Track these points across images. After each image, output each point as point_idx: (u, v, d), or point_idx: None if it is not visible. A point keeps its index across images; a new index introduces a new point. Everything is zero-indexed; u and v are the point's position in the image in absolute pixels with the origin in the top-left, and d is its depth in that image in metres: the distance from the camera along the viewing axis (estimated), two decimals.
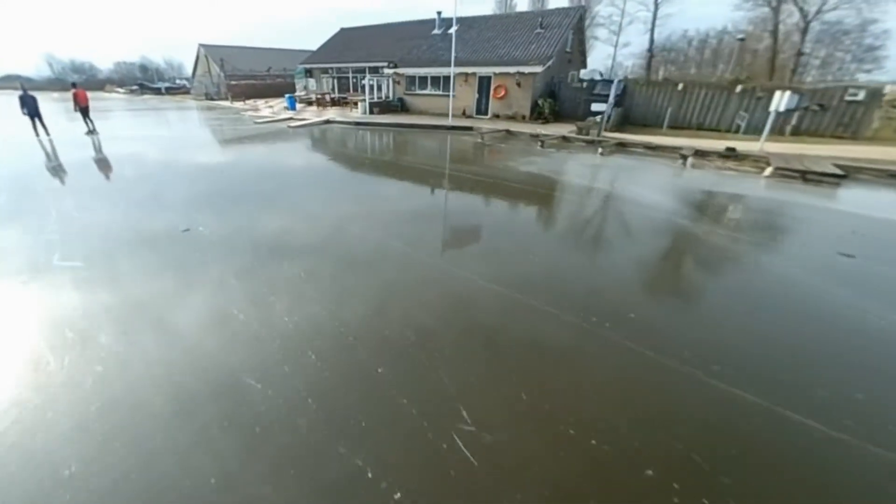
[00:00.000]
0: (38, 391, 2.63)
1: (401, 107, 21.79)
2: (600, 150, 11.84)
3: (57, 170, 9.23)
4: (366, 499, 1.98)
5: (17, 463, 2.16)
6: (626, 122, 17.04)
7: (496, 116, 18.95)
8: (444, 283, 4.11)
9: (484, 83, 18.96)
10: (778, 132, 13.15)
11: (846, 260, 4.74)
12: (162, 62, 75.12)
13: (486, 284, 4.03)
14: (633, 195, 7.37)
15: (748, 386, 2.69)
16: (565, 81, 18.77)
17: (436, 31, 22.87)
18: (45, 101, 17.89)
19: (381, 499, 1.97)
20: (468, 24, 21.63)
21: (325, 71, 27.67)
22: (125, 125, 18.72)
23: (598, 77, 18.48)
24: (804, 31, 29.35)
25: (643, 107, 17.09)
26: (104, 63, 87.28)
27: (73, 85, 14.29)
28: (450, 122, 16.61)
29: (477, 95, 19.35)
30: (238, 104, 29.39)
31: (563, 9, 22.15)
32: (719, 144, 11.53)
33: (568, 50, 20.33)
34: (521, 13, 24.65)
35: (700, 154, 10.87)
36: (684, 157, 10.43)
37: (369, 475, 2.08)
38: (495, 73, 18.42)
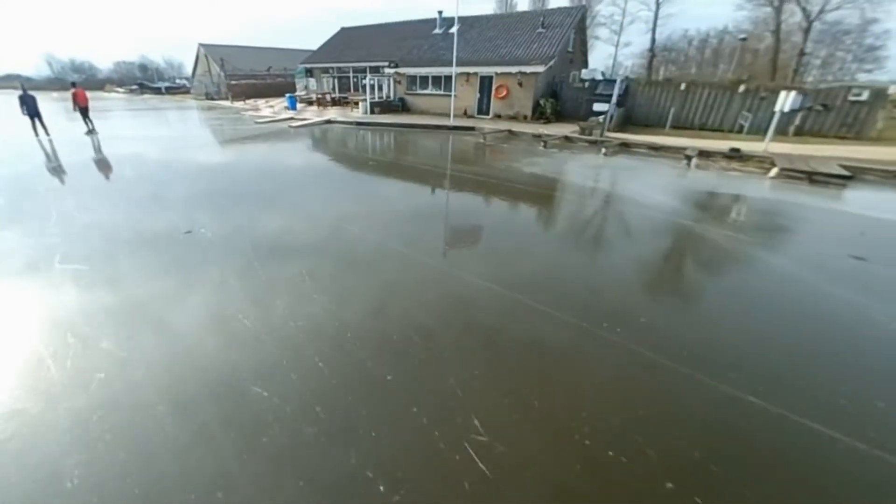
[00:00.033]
0: (39, 395, 2.56)
1: (402, 107, 21.72)
2: (603, 150, 11.77)
3: (57, 170, 9.16)
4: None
5: (17, 462, 2.14)
6: (628, 122, 16.97)
7: (498, 116, 18.89)
8: (453, 286, 4.04)
9: (485, 83, 18.88)
10: (781, 132, 13.09)
11: (857, 262, 4.67)
12: (162, 62, 75.19)
13: (503, 292, 3.96)
14: (640, 196, 7.30)
15: (770, 395, 2.63)
16: (567, 81, 18.71)
17: (437, 31, 22.79)
18: (45, 101, 17.80)
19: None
20: (469, 23, 21.56)
21: (325, 70, 27.60)
22: (125, 125, 18.65)
23: (598, 77, 18.40)
24: (807, 31, 29.31)
25: (645, 107, 17.03)
26: (104, 63, 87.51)
27: (73, 84, 14.21)
28: (451, 122, 16.54)
29: (478, 95, 19.28)
30: (238, 104, 29.32)
31: (565, 8, 22.09)
32: (723, 145, 11.47)
33: (570, 50, 20.27)
34: (523, 13, 24.61)
35: (704, 154, 10.81)
36: (689, 158, 10.37)
37: (381, 489, 2.02)
38: (497, 73, 18.35)
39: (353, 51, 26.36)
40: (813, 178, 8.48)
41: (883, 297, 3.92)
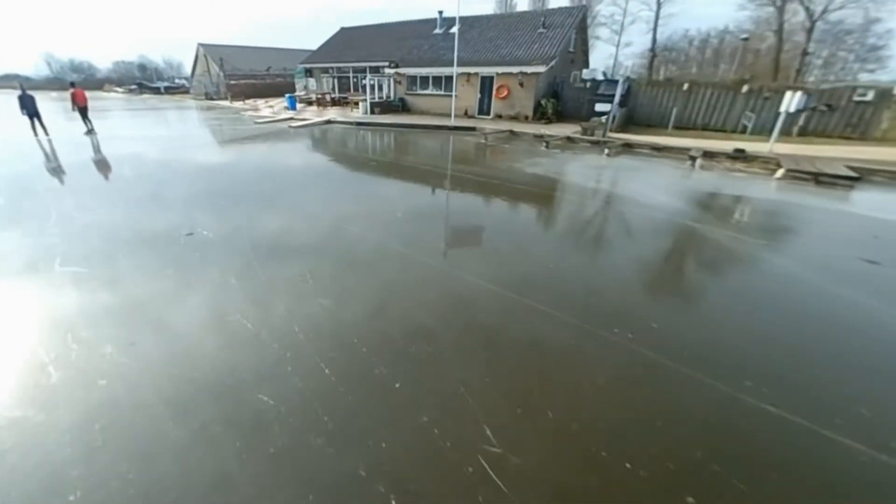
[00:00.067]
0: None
1: (402, 107, 21.63)
2: (606, 150, 11.67)
3: (56, 170, 9.05)
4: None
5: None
6: (629, 122, 16.88)
7: (498, 117, 18.80)
8: (462, 292, 3.95)
9: (486, 83, 18.79)
10: (785, 133, 12.99)
11: (872, 266, 4.58)
12: (161, 62, 74.99)
13: (522, 300, 3.87)
14: (645, 198, 7.20)
15: (794, 406, 2.54)
16: (568, 81, 18.62)
17: (437, 31, 22.70)
18: (44, 101, 17.71)
19: None
20: (470, 23, 21.47)
21: (325, 71, 27.49)
22: (124, 125, 18.53)
23: (599, 77, 18.32)
24: (810, 31, 29.22)
25: (647, 107, 16.94)
26: (103, 62, 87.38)
27: (72, 84, 14.11)
28: (452, 122, 16.44)
29: (479, 95, 19.18)
30: (238, 104, 29.21)
31: (566, 8, 22.00)
32: (726, 145, 11.38)
33: (571, 50, 20.18)
34: (524, 12, 24.52)
35: (708, 155, 10.71)
36: (693, 159, 10.27)
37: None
38: (498, 73, 18.25)
39: (352, 51, 26.26)
40: (819, 179, 8.38)
41: (893, 300, 3.83)
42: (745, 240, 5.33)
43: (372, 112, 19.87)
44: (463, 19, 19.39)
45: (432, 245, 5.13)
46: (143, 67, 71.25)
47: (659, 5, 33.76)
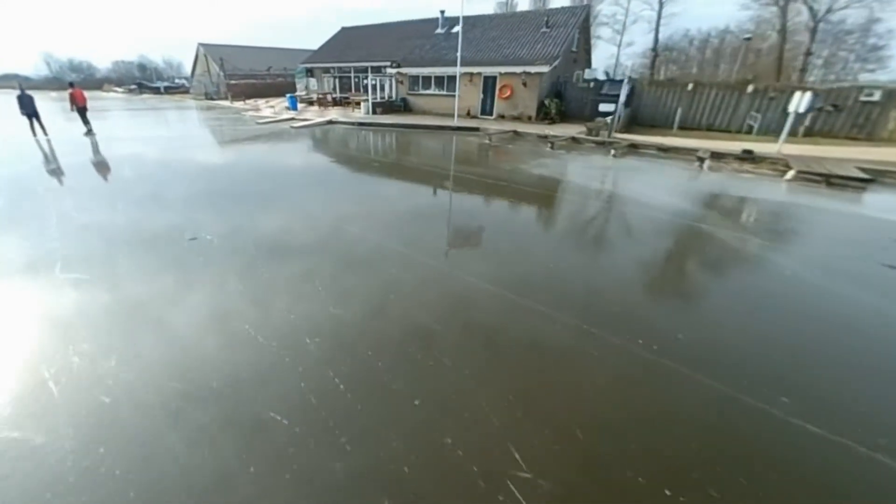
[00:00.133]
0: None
1: (404, 107, 21.51)
2: (613, 151, 11.56)
3: (56, 171, 8.91)
4: None
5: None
6: (633, 122, 16.79)
7: (501, 117, 18.68)
8: (476, 299, 3.83)
9: (489, 83, 18.66)
10: (791, 133, 12.89)
11: (893, 273, 4.46)
12: (161, 61, 74.77)
13: (546, 312, 3.75)
14: (655, 200, 7.07)
15: (818, 418, 2.43)
16: (571, 81, 18.52)
17: (439, 31, 22.57)
18: (43, 101, 17.61)
19: None
20: (472, 23, 21.35)
21: (326, 70, 27.35)
22: (124, 125, 18.39)
23: (600, 77, 18.22)
24: (813, 31, 29.14)
25: (651, 107, 16.84)
26: (102, 62, 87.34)
27: (71, 84, 13.94)
28: (455, 122, 16.32)
29: (482, 95, 19.06)
30: (238, 104, 29.07)
31: (570, 8, 21.88)
32: (733, 146, 11.28)
33: (574, 49, 20.06)
34: (527, 12, 24.38)
35: (716, 156, 10.60)
36: (701, 160, 10.17)
37: None
38: (501, 73, 18.13)
39: (354, 51, 26.12)
40: (831, 180, 8.27)
41: None
42: (764, 244, 5.22)
43: (374, 112, 19.75)
44: (465, 19, 19.27)
45: (437, 247, 5.02)
46: (142, 67, 71.04)
47: (661, 5, 33.72)
